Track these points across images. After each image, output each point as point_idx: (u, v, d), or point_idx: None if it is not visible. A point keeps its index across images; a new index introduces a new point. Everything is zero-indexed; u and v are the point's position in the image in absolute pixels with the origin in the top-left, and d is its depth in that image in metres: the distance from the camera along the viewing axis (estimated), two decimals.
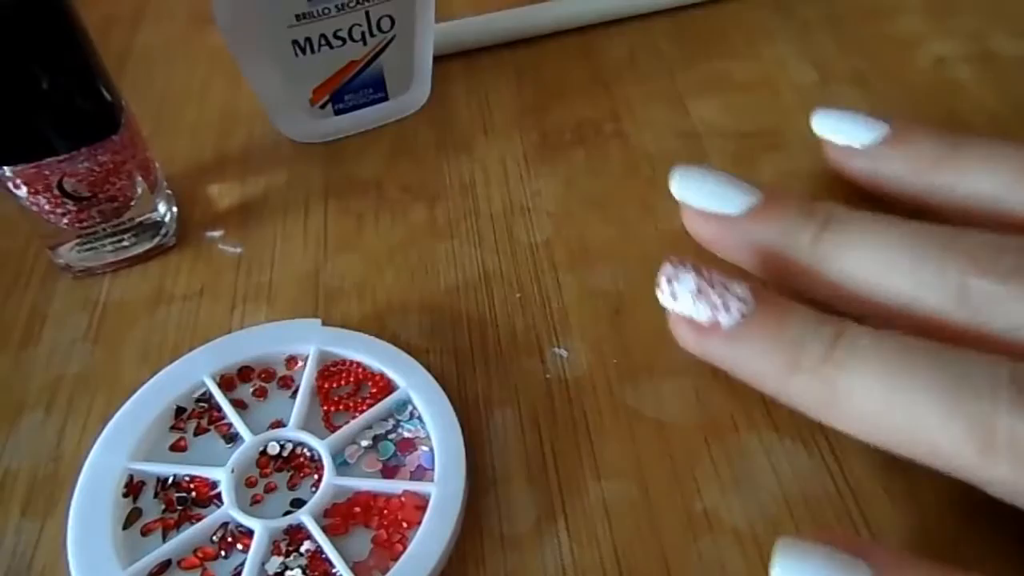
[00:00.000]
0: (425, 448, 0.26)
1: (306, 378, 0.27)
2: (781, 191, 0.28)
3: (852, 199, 0.31)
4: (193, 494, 0.25)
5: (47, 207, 0.29)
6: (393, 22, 0.33)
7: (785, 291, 0.28)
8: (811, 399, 0.24)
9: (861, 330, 0.24)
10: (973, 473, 0.22)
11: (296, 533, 0.24)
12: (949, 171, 0.28)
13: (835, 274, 0.26)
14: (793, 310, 0.25)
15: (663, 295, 0.26)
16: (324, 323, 0.29)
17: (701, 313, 0.25)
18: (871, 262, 0.25)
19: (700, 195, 0.28)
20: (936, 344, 0.23)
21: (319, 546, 0.24)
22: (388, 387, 0.27)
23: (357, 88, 0.35)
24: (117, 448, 0.25)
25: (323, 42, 0.33)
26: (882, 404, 0.22)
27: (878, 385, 0.22)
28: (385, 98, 0.36)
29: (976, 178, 0.27)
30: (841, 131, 0.30)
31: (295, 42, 0.32)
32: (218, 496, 0.25)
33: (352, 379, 0.27)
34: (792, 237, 0.27)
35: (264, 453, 0.26)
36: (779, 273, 0.27)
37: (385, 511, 0.25)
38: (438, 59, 0.38)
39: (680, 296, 0.25)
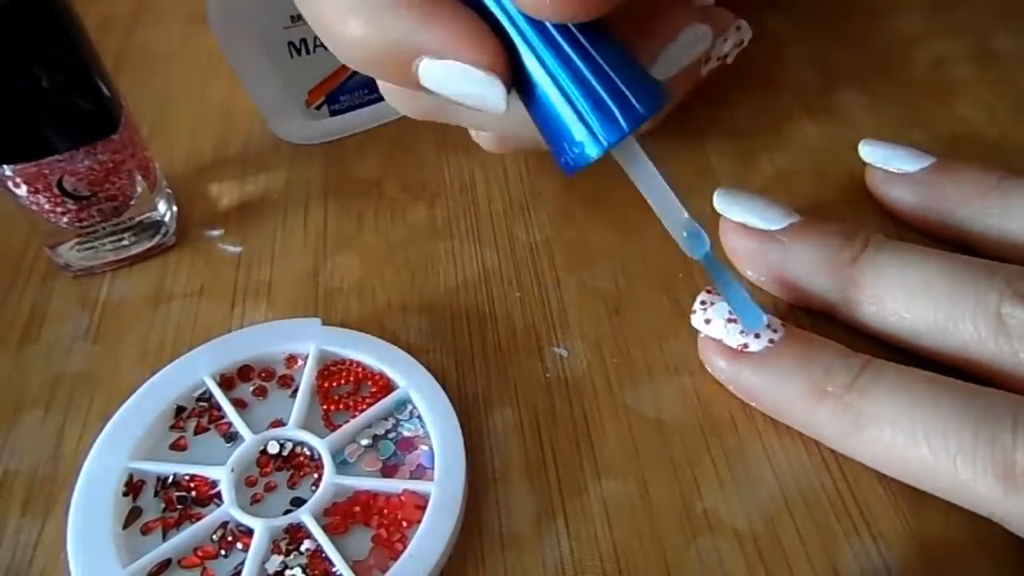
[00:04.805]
0: (425, 447, 0.26)
1: (306, 377, 0.27)
2: (822, 218, 0.28)
3: (865, 209, 0.31)
4: (193, 493, 0.25)
5: (47, 206, 0.29)
6: None
7: (815, 316, 0.28)
8: (835, 427, 0.24)
9: (887, 363, 0.24)
10: (992, 508, 0.22)
11: (296, 532, 0.24)
12: (996, 201, 0.28)
13: (872, 296, 0.26)
14: (821, 341, 0.25)
15: (696, 318, 0.26)
16: (324, 322, 0.29)
17: (732, 338, 0.25)
18: (909, 285, 0.25)
19: (742, 209, 0.28)
20: (961, 382, 0.23)
21: (319, 545, 0.24)
22: (388, 386, 0.27)
23: (352, 89, 0.35)
24: (117, 447, 0.25)
25: (318, 43, 0.33)
26: (904, 434, 0.22)
27: (901, 414, 0.23)
28: (380, 98, 0.36)
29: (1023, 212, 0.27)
30: (889, 161, 0.30)
31: (290, 43, 0.32)
32: (218, 495, 0.25)
33: (352, 378, 0.27)
34: (831, 256, 0.26)
35: (264, 452, 0.26)
36: (811, 297, 0.27)
37: (385, 510, 0.25)
38: None
39: (713, 320, 0.26)
